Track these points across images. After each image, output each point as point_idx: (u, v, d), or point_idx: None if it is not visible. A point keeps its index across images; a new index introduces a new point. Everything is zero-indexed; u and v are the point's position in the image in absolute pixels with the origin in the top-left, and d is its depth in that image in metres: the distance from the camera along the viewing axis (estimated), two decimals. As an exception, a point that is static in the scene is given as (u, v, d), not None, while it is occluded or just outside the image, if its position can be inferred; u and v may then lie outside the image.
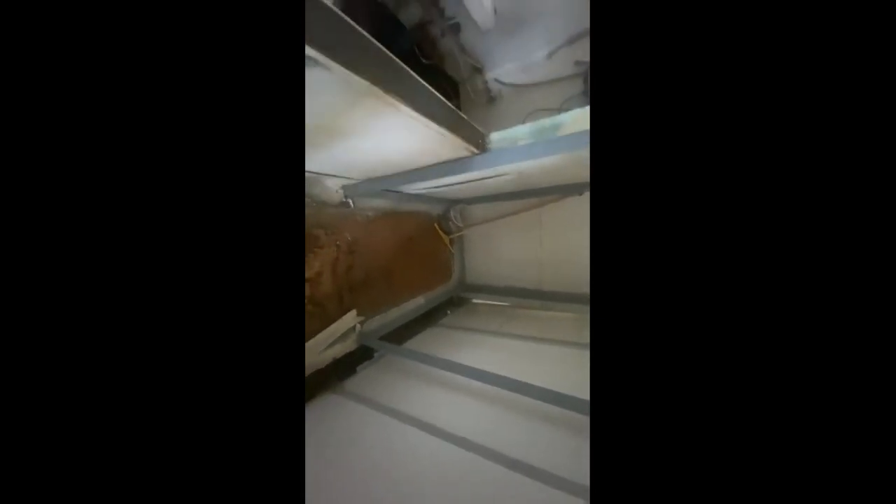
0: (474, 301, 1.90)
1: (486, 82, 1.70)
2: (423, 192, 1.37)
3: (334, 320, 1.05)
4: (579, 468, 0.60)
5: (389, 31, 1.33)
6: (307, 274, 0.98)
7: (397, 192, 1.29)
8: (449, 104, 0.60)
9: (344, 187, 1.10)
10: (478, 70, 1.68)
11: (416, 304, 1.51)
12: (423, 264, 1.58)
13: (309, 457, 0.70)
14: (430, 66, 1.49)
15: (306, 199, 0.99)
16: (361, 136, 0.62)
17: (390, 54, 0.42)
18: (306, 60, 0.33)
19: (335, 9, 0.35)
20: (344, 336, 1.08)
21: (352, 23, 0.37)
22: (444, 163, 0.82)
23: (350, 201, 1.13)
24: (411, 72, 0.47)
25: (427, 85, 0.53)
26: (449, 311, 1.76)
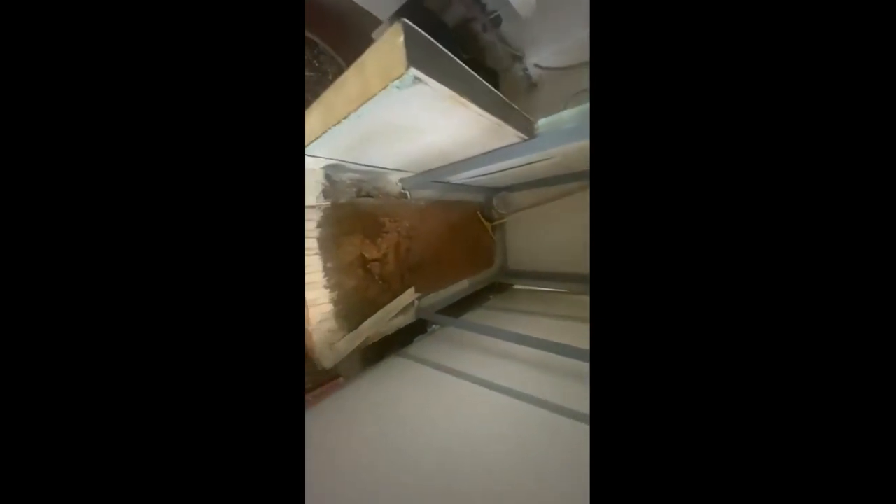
0: (516, 287, 1.96)
1: (525, 69, 1.72)
2: (469, 181, 1.47)
3: (398, 295, 1.22)
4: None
5: (434, 33, 1.44)
6: (377, 254, 1.16)
7: (446, 182, 1.41)
8: (504, 98, 0.70)
9: (402, 180, 1.26)
10: (517, 58, 1.70)
11: (461, 286, 1.64)
12: (467, 250, 1.69)
13: (386, 401, 0.88)
14: (469, 60, 1.57)
15: (375, 192, 1.17)
16: (429, 133, 0.75)
17: (466, 67, 0.53)
18: (412, 81, 0.45)
19: (431, 39, 0.47)
20: (405, 309, 1.25)
21: (441, 48, 0.49)
22: (497, 150, 0.92)
23: (407, 192, 1.29)
24: (478, 77, 0.58)
25: (488, 84, 0.63)
26: (491, 297, 1.86)
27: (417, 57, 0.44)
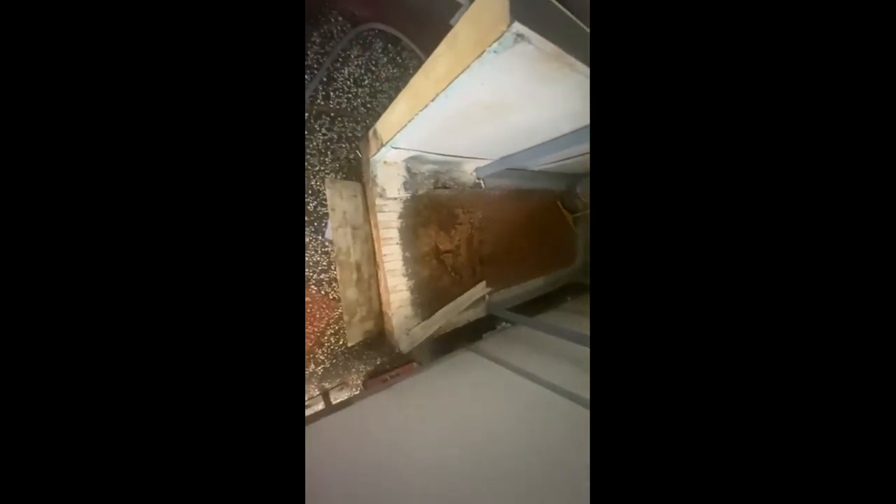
0: (600, 288, 1.69)
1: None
2: (549, 167, 1.32)
3: (469, 288, 1.20)
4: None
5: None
6: (450, 246, 1.15)
7: (523, 169, 1.30)
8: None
9: (477, 169, 1.21)
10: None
11: (535, 284, 1.51)
12: (543, 244, 1.54)
13: (455, 391, 0.87)
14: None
15: (451, 182, 1.15)
16: (518, 110, 0.67)
17: (575, 19, 0.43)
18: (514, 39, 0.39)
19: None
20: (476, 303, 1.22)
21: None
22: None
23: (481, 182, 1.23)
24: (588, 28, 0.47)
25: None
26: (569, 298, 1.65)
27: (521, 10, 0.37)
